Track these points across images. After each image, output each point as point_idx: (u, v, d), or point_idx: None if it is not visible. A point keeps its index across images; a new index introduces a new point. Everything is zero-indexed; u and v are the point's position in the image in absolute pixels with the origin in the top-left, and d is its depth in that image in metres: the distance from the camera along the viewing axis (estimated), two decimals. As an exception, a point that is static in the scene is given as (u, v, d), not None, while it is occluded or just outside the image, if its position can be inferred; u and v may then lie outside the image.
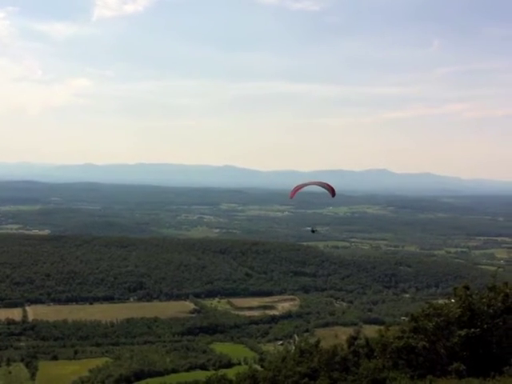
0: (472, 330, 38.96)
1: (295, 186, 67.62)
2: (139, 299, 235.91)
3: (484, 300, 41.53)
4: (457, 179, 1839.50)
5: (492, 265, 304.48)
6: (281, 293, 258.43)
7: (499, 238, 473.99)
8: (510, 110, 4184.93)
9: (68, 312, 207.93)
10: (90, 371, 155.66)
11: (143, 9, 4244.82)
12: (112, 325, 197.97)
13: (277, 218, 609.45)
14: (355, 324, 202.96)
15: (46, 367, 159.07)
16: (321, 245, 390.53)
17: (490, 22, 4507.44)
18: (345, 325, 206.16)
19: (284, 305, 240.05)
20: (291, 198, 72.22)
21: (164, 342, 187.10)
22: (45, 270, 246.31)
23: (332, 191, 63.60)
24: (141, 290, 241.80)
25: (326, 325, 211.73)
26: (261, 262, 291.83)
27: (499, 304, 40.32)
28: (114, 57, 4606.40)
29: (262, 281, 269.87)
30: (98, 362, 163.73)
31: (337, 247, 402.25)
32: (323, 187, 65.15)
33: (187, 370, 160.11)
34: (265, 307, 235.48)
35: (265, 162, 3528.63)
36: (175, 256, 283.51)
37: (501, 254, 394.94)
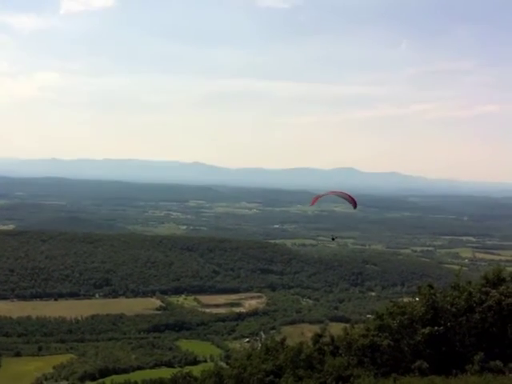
0: (435, 328, 39.35)
1: (316, 195, 67.48)
2: (105, 296, 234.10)
3: (448, 299, 41.98)
4: (422, 179, 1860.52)
5: (456, 264, 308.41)
6: (248, 290, 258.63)
7: (464, 238, 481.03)
8: (475, 110, 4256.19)
9: (32, 308, 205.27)
10: (54, 368, 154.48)
11: (112, 3, 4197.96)
12: (77, 321, 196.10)
13: (245, 215, 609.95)
14: (321, 322, 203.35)
15: (9, 363, 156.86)
16: (288, 243, 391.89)
17: (457, 23, 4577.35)
18: (311, 322, 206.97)
19: (251, 302, 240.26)
20: (312, 205, 72.46)
21: (129, 338, 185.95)
22: (9, 265, 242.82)
23: (354, 202, 62.99)
24: (107, 287, 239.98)
25: (293, 322, 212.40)
26: (228, 260, 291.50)
27: (462, 303, 40.79)
28: (82, 51, 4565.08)
29: (229, 278, 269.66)
30: (63, 358, 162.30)
31: (304, 245, 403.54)
32: (344, 198, 64.45)
33: (152, 367, 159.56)
34: (232, 304, 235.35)
35: (233, 160, 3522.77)
36: (142, 252, 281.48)
37: (465, 253, 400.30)
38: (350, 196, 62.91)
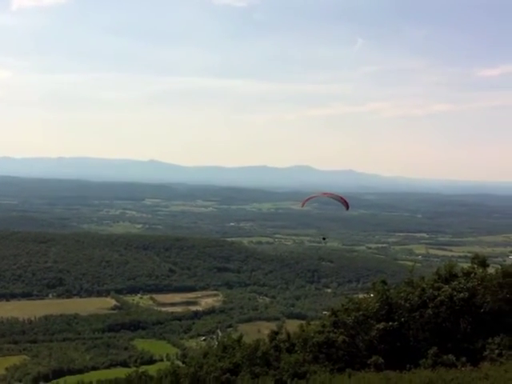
0: (390, 323, 39.90)
1: (308, 196, 68.14)
2: (58, 296, 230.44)
3: (401, 294, 42.64)
4: (378, 176, 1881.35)
5: (410, 260, 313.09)
6: (204, 288, 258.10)
7: (418, 234, 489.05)
8: (429, 109, 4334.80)
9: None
10: (7, 369, 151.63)
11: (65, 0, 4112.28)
12: (30, 322, 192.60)
13: (201, 213, 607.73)
14: (278, 319, 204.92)
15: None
16: (245, 241, 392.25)
17: (410, 23, 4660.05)
18: (268, 320, 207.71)
19: (207, 300, 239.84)
20: (302, 206, 73.64)
21: (84, 339, 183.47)
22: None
23: (346, 204, 63.71)
24: (60, 287, 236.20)
25: (249, 320, 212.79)
26: (184, 258, 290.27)
27: (416, 298, 41.44)
28: (34, 48, 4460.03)
29: (185, 276, 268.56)
30: (15, 359, 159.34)
31: (261, 243, 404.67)
32: (337, 200, 64.93)
33: (108, 367, 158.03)
34: (188, 303, 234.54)
35: (190, 158, 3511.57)
36: (96, 252, 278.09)
37: (419, 249, 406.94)
38: (341, 198, 63.99)
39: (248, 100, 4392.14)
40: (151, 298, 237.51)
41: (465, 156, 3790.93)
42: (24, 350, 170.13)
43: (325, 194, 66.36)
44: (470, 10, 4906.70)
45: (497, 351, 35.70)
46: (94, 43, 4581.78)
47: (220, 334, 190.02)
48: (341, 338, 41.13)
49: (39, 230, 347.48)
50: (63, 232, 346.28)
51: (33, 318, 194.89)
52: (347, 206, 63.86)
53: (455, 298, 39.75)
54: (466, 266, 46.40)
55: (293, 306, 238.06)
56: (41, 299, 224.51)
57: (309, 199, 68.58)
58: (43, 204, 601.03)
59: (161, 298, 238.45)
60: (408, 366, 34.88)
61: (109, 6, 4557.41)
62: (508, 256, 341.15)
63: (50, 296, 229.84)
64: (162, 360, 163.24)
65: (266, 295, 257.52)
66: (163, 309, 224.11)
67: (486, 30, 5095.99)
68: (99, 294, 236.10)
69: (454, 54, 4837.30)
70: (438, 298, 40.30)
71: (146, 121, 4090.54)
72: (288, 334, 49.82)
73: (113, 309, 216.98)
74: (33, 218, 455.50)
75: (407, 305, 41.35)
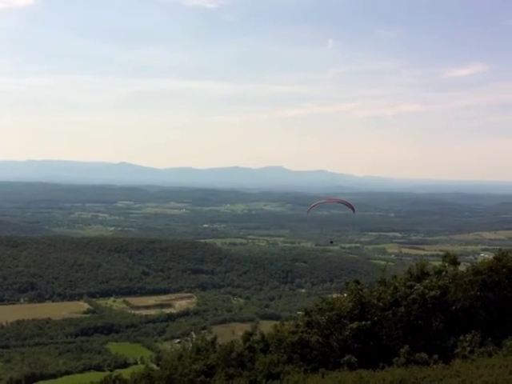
0: (363, 322, 40.16)
1: (314, 202, 69.00)
2: (30, 300, 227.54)
3: (374, 293, 42.97)
4: (350, 176, 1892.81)
5: (384, 259, 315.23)
6: (178, 290, 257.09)
7: (390, 234, 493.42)
8: (399, 109, 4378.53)
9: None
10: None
11: (34, 1, 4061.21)
12: (1, 327, 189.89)
13: (174, 215, 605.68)
14: (252, 320, 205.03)
15: None
16: (218, 242, 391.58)
17: (380, 24, 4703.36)
18: (242, 321, 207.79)
19: (181, 302, 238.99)
20: (308, 213, 75.02)
21: (57, 343, 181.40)
22: None
23: (351, 207, 65.36)
24: (32, 291, 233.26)
25: (224, 321, 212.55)
26: (158, 260, 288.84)
27: (388, 297, 41.79)
28: (2, 50, 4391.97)
29: (158, 279, 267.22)
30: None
31: (234, 244, 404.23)
32: (342, 204, 66.59)
33: (81, 372, 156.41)
34: (162, 305, 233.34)
35: (161, 160, 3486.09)
36: (68, 255, 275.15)
37: (392, 248, 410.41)
38: (346, 202, 65.90)
39: (220, 101, 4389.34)
40: (124, 301, 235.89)
41: (435, 155, 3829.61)
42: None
43: (330, 199, 67.84)
44: (440, 12, 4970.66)
45: (468, 348, 36.12)
46: (63, 45, 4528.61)
47: (194, 336, 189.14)
48: (314, 337, 41.32)
49: (10, 233, 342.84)
50: (34, 236, 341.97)
51: (4, 323, 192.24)
52: (353, 209, 65.70)
53: (427, 296, 40.17)
54: (437, 264, 46.96)
55: (267, 306, 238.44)
56: (12, 304, 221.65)
57: (315, 205, 69.27)
58: (13, 207, 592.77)
59: (134, 300, 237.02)
60: (381, 364, 35.11)
61: (78, 8, 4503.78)
62: (479, 254, 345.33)
63: (22, 301, 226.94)
64: (136, 363, 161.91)
65: (240, 296, 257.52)
66: (137, 312, 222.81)
67: (455, 31, 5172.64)
68: (72, 297, 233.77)
69: (423, 55, 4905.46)
70: (411, 297, 40.70)
71: (116, 123, 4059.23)
72: (262, 335, 49.86)
73: (86, 313, 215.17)
74: (3, 221, 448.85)
75: (380, 304, 41.68)
